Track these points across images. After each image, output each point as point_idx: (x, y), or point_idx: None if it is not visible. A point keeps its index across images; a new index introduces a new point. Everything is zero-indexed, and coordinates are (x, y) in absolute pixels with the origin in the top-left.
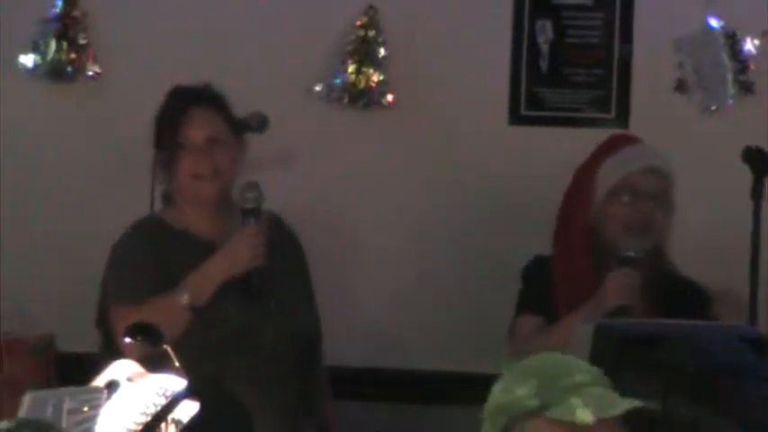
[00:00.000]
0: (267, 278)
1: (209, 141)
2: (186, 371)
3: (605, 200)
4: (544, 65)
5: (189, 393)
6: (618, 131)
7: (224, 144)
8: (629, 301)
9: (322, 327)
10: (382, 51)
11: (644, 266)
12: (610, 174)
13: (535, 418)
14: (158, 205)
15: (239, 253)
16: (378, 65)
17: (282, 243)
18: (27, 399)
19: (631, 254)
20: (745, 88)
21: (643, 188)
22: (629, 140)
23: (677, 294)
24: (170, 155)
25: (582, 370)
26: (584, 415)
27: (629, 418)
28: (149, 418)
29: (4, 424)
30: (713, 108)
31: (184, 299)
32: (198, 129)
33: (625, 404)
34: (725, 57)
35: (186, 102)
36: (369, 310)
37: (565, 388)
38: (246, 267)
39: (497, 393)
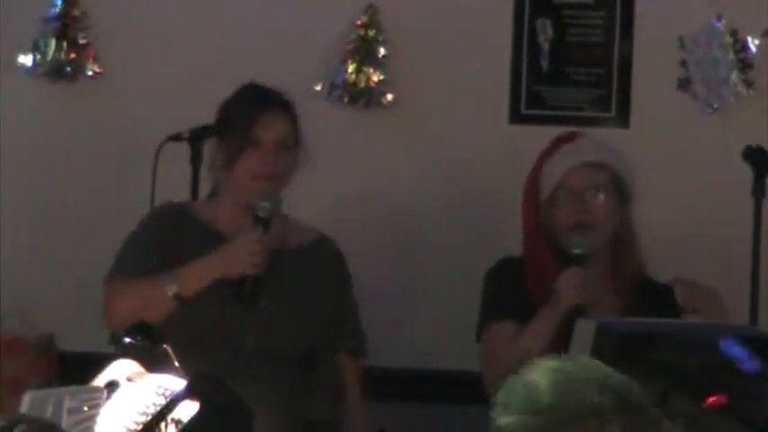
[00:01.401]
0: (263, 287)
1: (277, 145)
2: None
3: (548, 204)
4: (545, 64)
5: (189, 392)
6: (564, 132)
7: (288, 150)
8: (582, 300)
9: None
10: (382, 51)
11: (593, 262)
12: (547, 178)
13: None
14: (159, 202)
15: (236, 257)
16: (378, 64)
17: (317, 260)
18: (27, 398)
19: (578, 251)
20: (747, 87)
21: (578, 186)
22: (566, 140)
23: (642, 290)
24: (234, 150)
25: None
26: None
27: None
28: (149, 418)
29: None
30: (715, 107)
31: (171, 288)
32: (269, 130)
33: None
34: (727, 55)
35: (264, 102)
36: (369, 308)
37: (637, 405)
38: (240, 272)
39: (562, 393)
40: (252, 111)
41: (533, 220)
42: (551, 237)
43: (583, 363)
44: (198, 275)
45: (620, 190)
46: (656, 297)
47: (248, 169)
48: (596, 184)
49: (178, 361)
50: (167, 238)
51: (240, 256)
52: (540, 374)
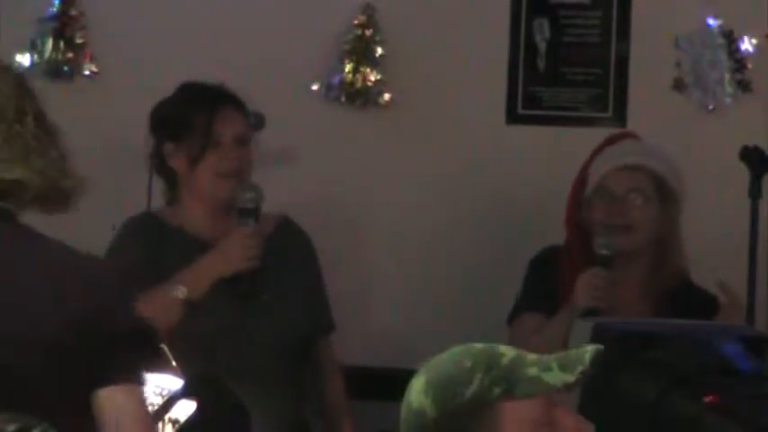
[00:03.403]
0: (261, 279)
1: (237, 140)
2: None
3: (587, 203)
4: (541, 64)
5: (187, 392)
6: (617, 131)
7: (247, 144)
8: (598, 303)
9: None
10: (380, 50)
11: (630, 265)
12: (590, 178)
13: (503, 403)
14: (156, 203)
15: (232, 253)
16: (375, 64)
17: (289, 244)
18: None
19: (603, 252)
20: (743, 87)
21: (615, 188)
22: (612, 140)
23: (679, 298)
24: (196, 151)
25: (500, 347)
26: (558, 377)
27: (629, 413)
28: None
29: None
30: (711, 107)
31: (180, 292)
32: (228, 127)
33: (588, 353)
34: (722, 56)
35: (217, 100)
36: (366, 308)
37: (511, 366)
38: (238, 267)
39: (443, 402)
40: (208, 109)
41: (571, 215)
42: (587, 235)
43: (449, 360)
44: (198, 278)
45: (662, 194)
46: (696, 307)
47: (211, 169)
48: (633, 187)
49: (187, 367)
50: (146, 248)
51: (236, 252)
52: (421, 397)
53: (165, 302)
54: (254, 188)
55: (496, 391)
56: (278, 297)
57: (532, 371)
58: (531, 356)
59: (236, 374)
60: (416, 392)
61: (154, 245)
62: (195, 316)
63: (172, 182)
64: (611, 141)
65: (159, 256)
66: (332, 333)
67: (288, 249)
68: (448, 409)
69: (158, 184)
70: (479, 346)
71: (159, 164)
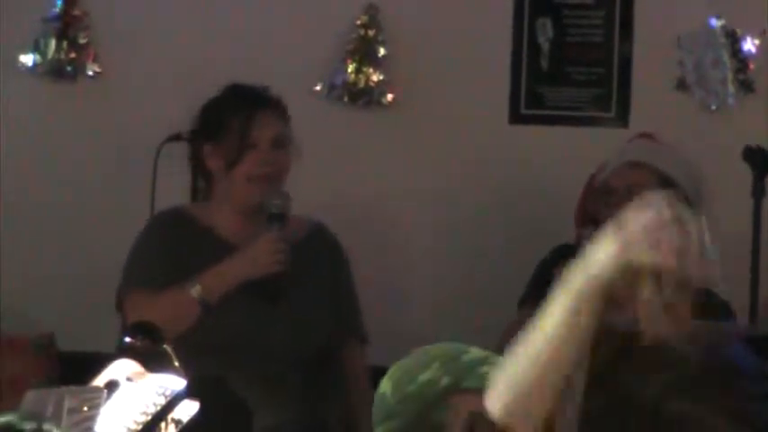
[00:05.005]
0: (286, 284)
1: (274, 144)
2: (190, 368)
3: (593, 199)
4: (545, 63)
5: (189, 393)
6: (620, 130)
7: (284, 147)
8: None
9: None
10: (382, 51)
11: None
12: (598, 174)
13: (454, 394)
14: (158, 202)
15: (258, 257)
16: (378, 64)
17: (318, 251)
18: (28, 397)
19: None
20: (745, 87)
21: (615, 185)
22: (632, 140)
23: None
24: (233, 153)
25: (473, 348)
26: None
27: (629, 414)
28: (149, 418)
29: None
30: (713, 107)
31: (195, 292)
32: (265, 130)
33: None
34: (725, 56)
35: (256, 101)
36: (367, 307)
37: (469, 362)
38: (264, 273)
39: (399, 386)
40: (246, 112)
41: (578, 211)
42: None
43: (421, 351)
44: (219, 280)
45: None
46: (703, 309)
47: (247, 171)
48: (633, 183)
49: (205, 371)
50: (174, 245)
51: (262, 257)
52: (386, 382)
53: (180, 301)
54: (282, 194)
55: (445, 380)
56: (300, 304)
57: (485, 369)
58: (500, 359)
59: (252, 378)
60: (385, 377)
61: (180, 242)
62: (216, 318)
63: (208, 182)
64: (628, 141)
65: (184, 253)
66: (365, 345)
67: (317, 256)
68: (403, 392)
69: (162, 184)
70: (458, 344)
71: (197, 164)
